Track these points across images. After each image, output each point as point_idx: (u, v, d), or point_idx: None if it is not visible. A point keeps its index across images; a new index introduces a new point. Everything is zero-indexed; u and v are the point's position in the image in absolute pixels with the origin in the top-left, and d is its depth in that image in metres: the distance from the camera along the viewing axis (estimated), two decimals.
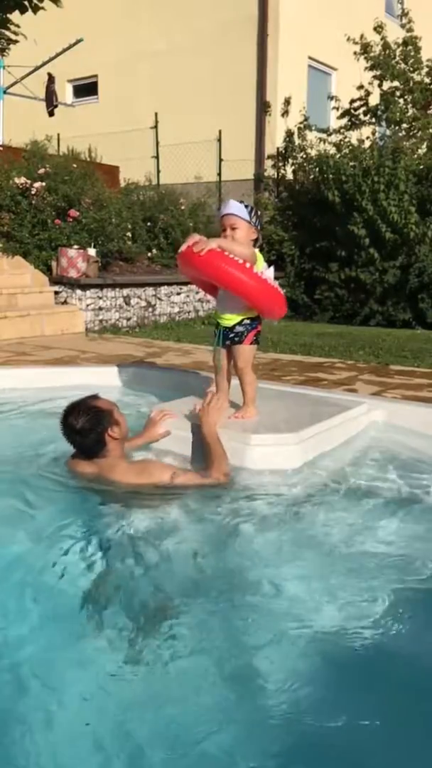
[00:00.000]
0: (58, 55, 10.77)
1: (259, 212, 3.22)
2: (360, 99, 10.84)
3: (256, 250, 3.16)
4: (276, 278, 3.33)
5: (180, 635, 1.89)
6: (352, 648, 1.88)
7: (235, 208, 3.08)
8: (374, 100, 10.76)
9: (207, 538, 2.48)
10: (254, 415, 3.30)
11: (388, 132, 10.42)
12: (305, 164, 10.41)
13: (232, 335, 3.21)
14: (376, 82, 10.56)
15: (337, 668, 1.81)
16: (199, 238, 3.07)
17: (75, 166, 8.69)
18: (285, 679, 1.75)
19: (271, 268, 3.18)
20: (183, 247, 3.09)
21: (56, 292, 7.64)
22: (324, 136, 10.33)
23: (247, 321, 3.20)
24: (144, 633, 1.90)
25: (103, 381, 4.68)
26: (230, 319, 3.21)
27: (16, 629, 1.91)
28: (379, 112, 10.70)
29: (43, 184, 7.95)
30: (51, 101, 10.80)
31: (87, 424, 2.69)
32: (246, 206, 3.11)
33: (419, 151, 9.28)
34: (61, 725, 1.57)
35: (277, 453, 3.06)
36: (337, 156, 9.38)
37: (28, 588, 2.11)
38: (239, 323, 3.20)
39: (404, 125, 10.42)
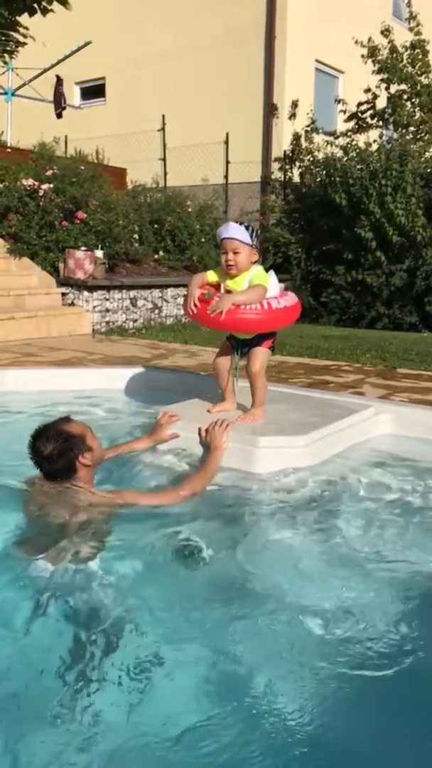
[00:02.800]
0: (66, 57, 10.81)
1: (258, 231, 3.21)
2: (367, 102, 10.87)
3: (260, 268, 3.17)
4: (282, 281, 3.36)
5: (179, 647, 1.87)
6: (357, 656, 1.88)
7: (236, 232, 3.05)
8: (381, 103, 10.79)
9: (211, 540, 2.47)
10: (262, 417, 3.31)
11: (395, 135, 10.43)
12: (312, 167, 10.43)
13: (250, 341, 3.26)
14: (384, 86, 10.59)
15: (345, 676, 1.81)
16: (198, 291, 3.08)
17: (82, 168, 8.72)
18: (294, 688, 1.75)
19: (272, 273, 3.21)
20: (192, 308, 3.07)
21: (63, 294, 7.67)
22: (331, 138, 10.36)
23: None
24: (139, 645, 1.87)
25: (109, 383, 4.70)
26: (250, 335, 3.26)
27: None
28: (386, 116, 10.72)
29: (51, 185, 7.97)
30: (60, 103, 10.84)
31: (55, 451, 2.47)
32: (246, 228, 3.09)
33: (426, 154, 9.28)
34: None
35: (284, 455, 3.06)
36: (344, 159, 9.39)
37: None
38: (257, 335, 3.26)
39: (411, 128, 10.45)
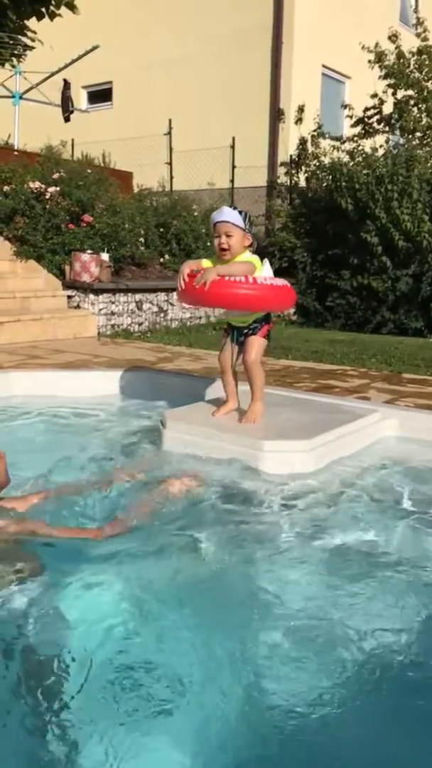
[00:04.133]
0: (73, 61, 10.83)
1: (251, 217, 3.26)
2: (374, 107, 10.88)
3: (254, 255, 3.22)
4: None
5: (182, 655, 1.84)
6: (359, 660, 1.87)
7: (229, 215, 3.13)
8: (388, 108, 10.79)
9: (215, 544, 2.47)
10: (262, 412, 3.33)
11: (401, 140, 10.43)
12: (318, 172, 10.44)
13: (246, 330, 3.33)
14: (390, 91, 10.59)
15: (348, 680, 1.80)
16: (188, 269, 3.15)
17: (89, 171, 8.74)
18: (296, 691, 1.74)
19: (266, 261, 3.27)
20: (180, 283, 3.16)
21: (69, 297, 7.68)
22: (337, 143, 10.36)
23: (261, 317, 3.34)
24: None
25: (114, 386, 4.71)
26: (245, 321, 3.34)
27: None
28: (392, 121, 10.72)
29: (57, 188, 7.99)
30: (67, 107, 10.86)
31: None
32: (240, 212, 3.17)
33: None
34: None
35: (289, 460, 3.05)
36: (351, 164, 9.39)
37: None
38: (254, 321, 3.33)
39: (418, 134, 10.44)
